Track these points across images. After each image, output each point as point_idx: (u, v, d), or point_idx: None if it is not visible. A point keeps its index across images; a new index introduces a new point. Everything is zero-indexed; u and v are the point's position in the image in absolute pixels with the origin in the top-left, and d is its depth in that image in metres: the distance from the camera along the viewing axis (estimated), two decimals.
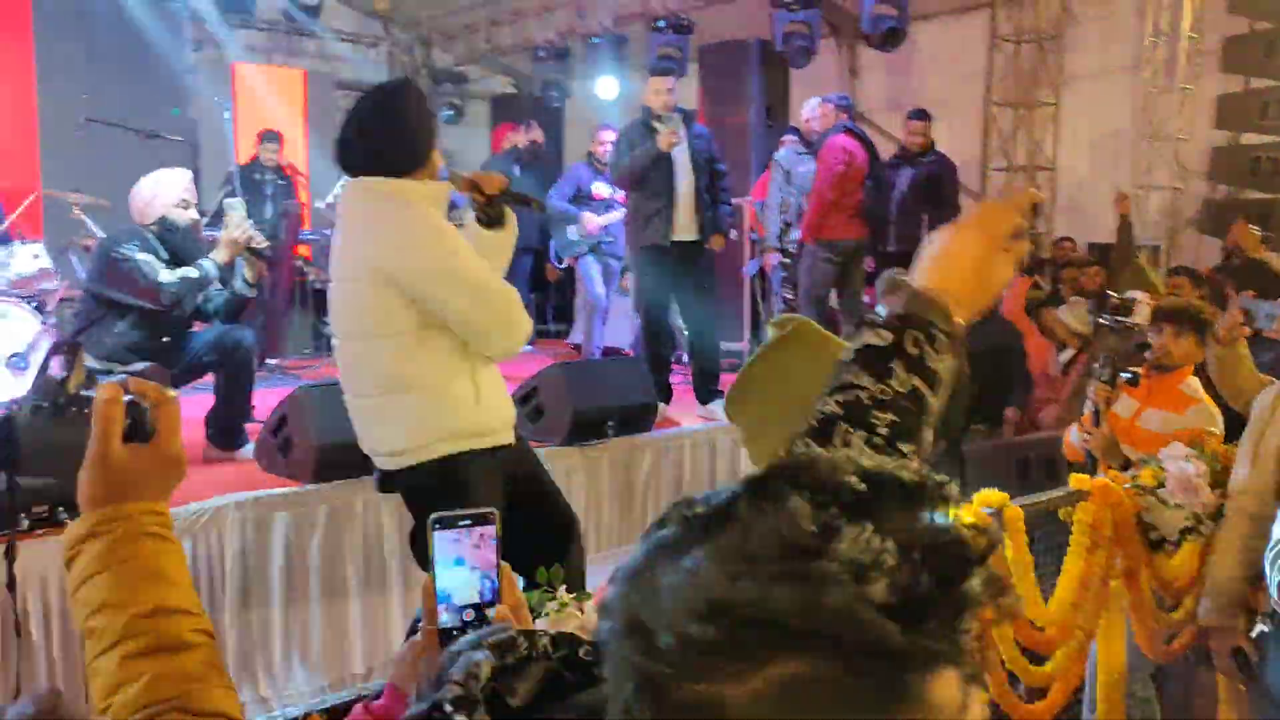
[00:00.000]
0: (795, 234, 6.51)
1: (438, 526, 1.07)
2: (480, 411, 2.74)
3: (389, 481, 2.84)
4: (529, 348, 7.93)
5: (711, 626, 0.47)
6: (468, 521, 1.08)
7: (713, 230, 5.54)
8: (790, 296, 6.64)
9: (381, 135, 2.70)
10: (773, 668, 0.46)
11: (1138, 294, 4.17)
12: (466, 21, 11.18)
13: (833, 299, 6.31)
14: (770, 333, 1.42)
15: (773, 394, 1.37)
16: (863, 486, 0.51)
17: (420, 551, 2.95)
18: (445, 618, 1.08)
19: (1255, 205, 7.14)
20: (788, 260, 6.63)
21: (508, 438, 2.82)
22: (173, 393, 1.01)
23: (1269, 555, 2.20)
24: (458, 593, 1.09)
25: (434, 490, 2.69)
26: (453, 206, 2.95)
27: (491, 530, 1.08)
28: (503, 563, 1.13)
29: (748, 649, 0.47)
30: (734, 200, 6.22)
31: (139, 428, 0.98)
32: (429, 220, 2.66)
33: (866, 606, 0.46)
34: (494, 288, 2.69)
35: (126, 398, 0.97)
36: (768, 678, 0.46)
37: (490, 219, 2.83)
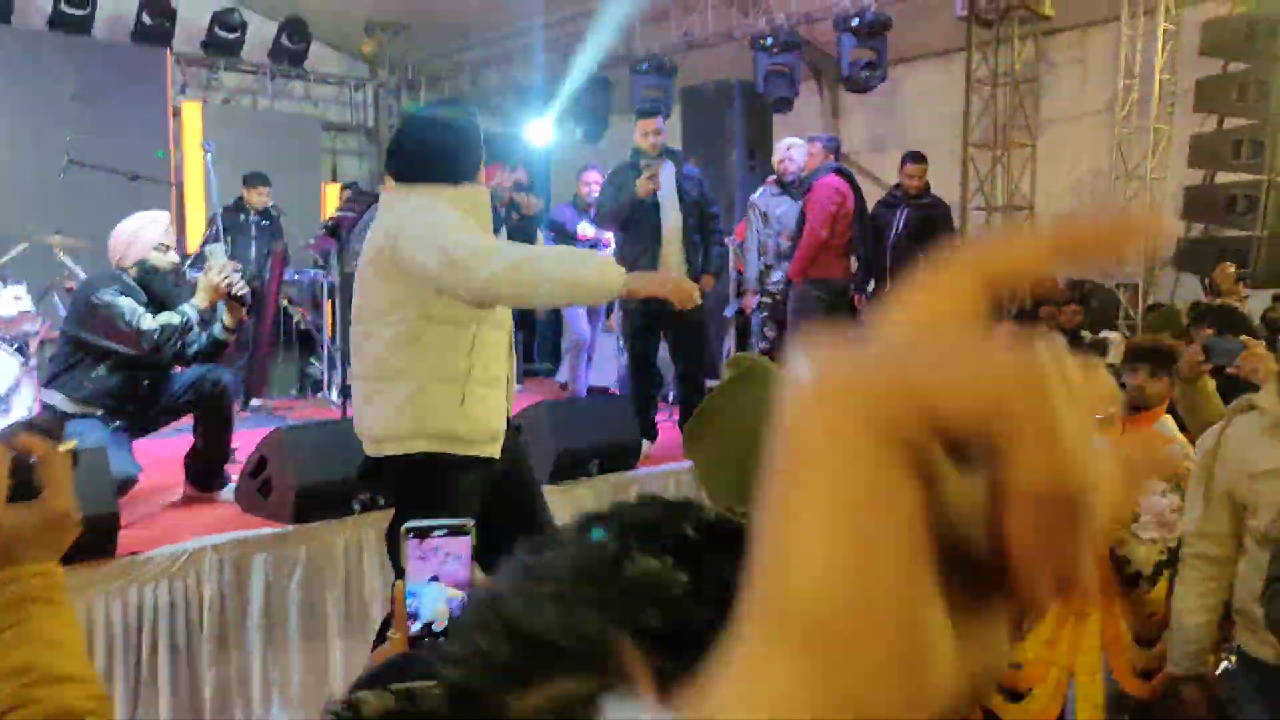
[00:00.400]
0: (776, 275, 6.56)
1: (411, 535, 1.07)
2: (460, 419, 2.76)
3: (374, 469, 2.89)
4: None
5: (501, 642, 0.48)
6: (443, 532, 1.07)
7: (702, 271, 5.58)
8: (773, 335, 6.67)
9: (432, 149, 2.81)
10: (551, 686, 0.47)
11: (1111, 334, 4.22)
12: (452, 64, 11.31)
13: None
14: (726, 373, 1.45)
15: (729, 433, 1.39)
16: (693, 533, 0.50)
17: (394, 548, 2.97)
18: (417, 626, 1.07)
19: (1230, 242, 7.24)
20: (768, 300, 6.67)
21: (490, 451, 2.83)
22: (68, 444, 0.98)
23: (1266, 595, 2.20)
24: (426, 605, 1.08)
25: (409, 485, 2.78)
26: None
27: (466, 543, 1.07)
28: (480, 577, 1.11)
29: (528, 665, 0.48)
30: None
31: (25, 486, 0.94)
32: (433, 204, 2.71)
33: (627, 634, 0.46)
34: (472, 243, 2.59)
35: (11, 455, 0.94)
36: (546, 694, 0.47)
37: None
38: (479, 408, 2.78)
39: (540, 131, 10.24)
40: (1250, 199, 7.22)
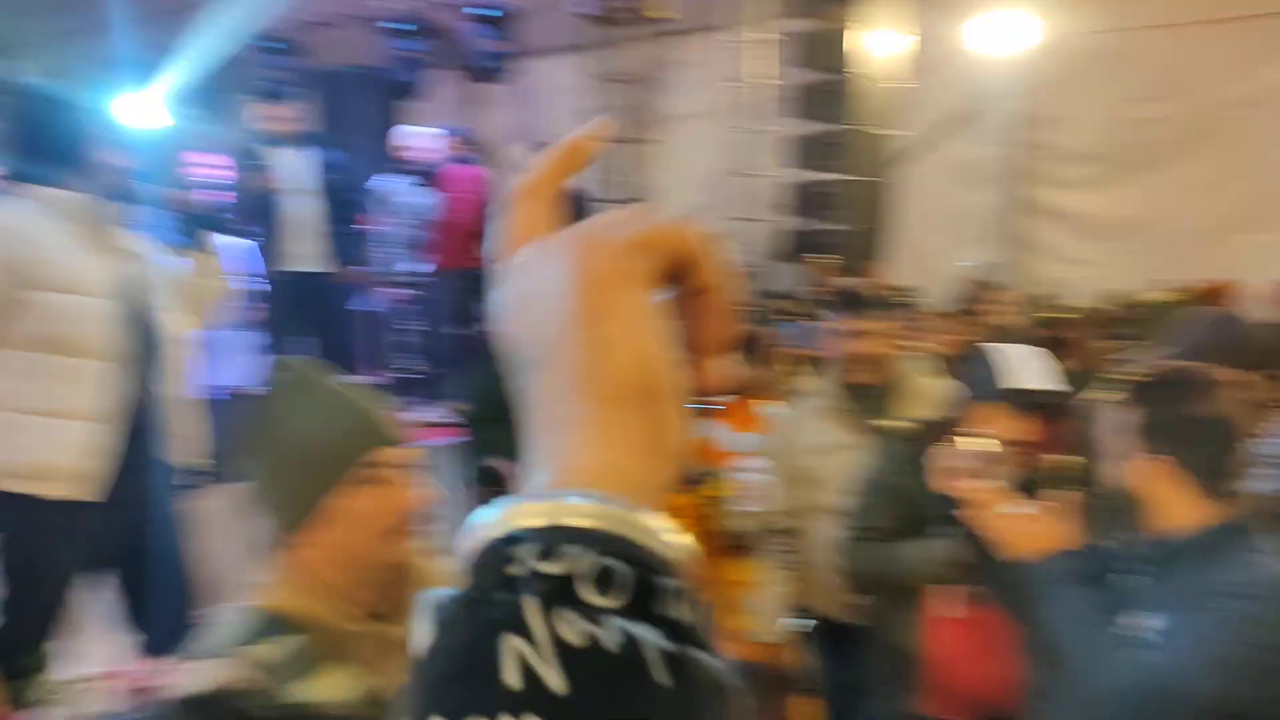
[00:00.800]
0: (406, 265, 6.43)
1: None
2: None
3: None
4: None
5: None
6: None
7: (340, 260, 5.37)
8: (426, 328, 6.54)
9: (22, 141, 2.57)
10: None
11: None
12: (31, 31, 10.04)
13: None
14: (272, 378, 1.36)
15: (290, 443, 1.31)
16: None
17: None
18: None
19: (825, 236, 8.07)
20: (404, 292, 6.54)
21: (54, 492, 2.51)
22: None
23: (841, 554, 2.41)
24: None
25: None
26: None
27: None
28: None
29: None
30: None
31: None
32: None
33: None
34: None
35: None
36: None
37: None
38: (19, 438, 2.47)
39: (149, 111, 9.36)
40: (845, 195, 8.08)
